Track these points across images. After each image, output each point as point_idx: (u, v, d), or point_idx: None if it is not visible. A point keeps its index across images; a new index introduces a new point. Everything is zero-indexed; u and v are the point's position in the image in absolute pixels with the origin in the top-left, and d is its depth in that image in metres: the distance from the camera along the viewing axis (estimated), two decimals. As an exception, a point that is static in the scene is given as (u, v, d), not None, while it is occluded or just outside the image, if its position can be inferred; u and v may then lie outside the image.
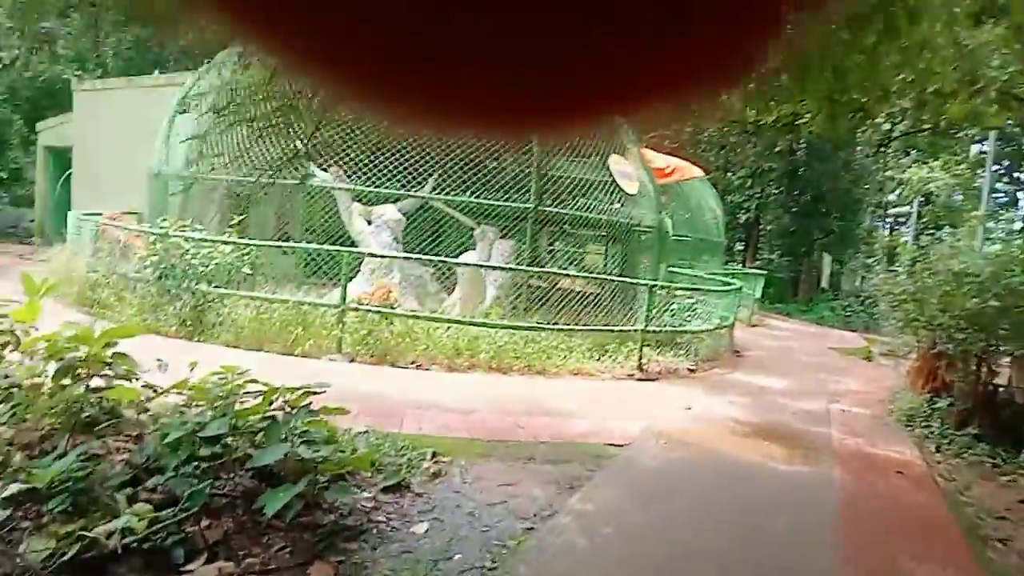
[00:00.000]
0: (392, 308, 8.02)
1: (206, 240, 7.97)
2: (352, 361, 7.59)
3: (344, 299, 7.78)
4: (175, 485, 3.55)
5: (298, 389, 4.12)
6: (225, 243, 8.03)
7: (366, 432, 5.14)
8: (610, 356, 8.70)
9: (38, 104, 18.82)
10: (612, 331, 9.00)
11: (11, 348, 4.75)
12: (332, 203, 11.47)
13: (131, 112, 13.23)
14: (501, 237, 11.46)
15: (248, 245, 8.42)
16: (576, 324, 9.05)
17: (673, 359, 9.27)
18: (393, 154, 10.06)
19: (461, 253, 10.83)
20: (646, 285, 9.23)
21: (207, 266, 7.97)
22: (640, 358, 8.66)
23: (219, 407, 3.86)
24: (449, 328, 8.11)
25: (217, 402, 3.89)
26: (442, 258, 9.17)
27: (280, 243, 9.16)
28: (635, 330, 8.92)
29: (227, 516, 3.66)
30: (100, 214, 10.60)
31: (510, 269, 9.35)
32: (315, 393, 4.09)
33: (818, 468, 5.77)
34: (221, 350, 7.49)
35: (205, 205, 13.44)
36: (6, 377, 4.37)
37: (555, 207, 9.60)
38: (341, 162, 10.83)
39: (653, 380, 8.53)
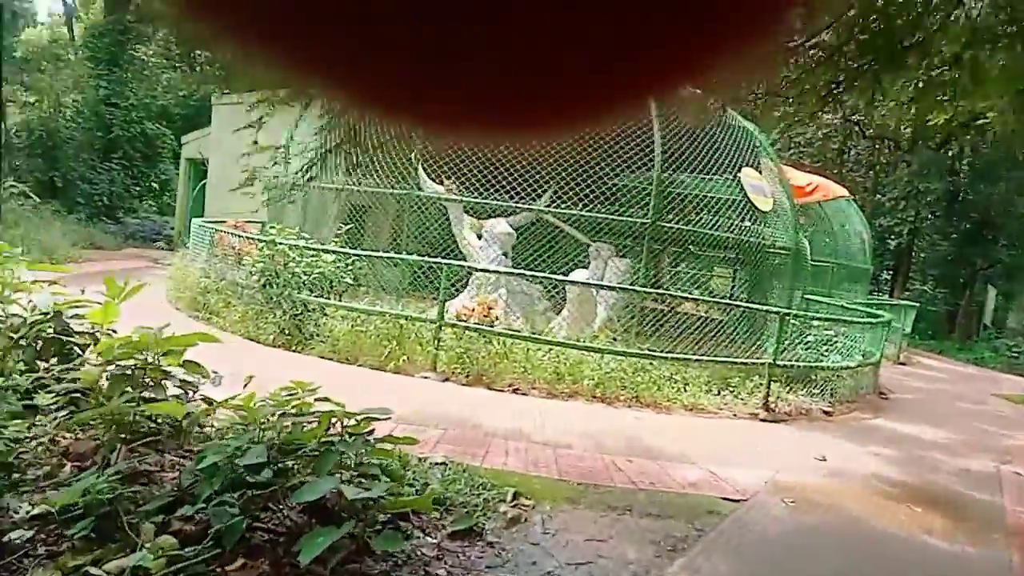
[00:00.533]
0: (492, 325, 7.51)
1: (309, 248, 7.81)
2: (446, 380, 7.13)
3: (441, 314, 7.35)
4: (213, 516, 3.14)
5: (357, 414, 3.65)
6: (327, 252, 7.84)
7: (443, 463, 4.61)
8: (731, 391, 7.76)
9: (188, 120, 20.22)
10: (735, 363, 8.04)
11: (90, 350, 4.64)
12: (445, 216, 11.23)
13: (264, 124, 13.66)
14: (617, 255, 10.75)
15: (350, 255, 8.20)
16: (694, 353, 8.17)
17: (806, 398, 8.16)
18: (507, 167, 9.61)
19: (574, 270, 10.19)
20: (777, 313, 8.19)
21: (309, 275, 7.81)
22: (767, 395, 7.66)
23: (267, 429, 3.45)
24: (551, 350, 7.48)
25: (266, 423, 3.48)
26: (548, 275, 8.54)
27: (381, 254, 8.89)
28: (762, 363, 7.91)
29: (266, 557, 3.21)
30: (224, 221, 10.89)
31: (622, 289, 8.60)
32: (376, 419, 3.60)
33: (988, 550, 4.65)
34: (315, 362, 7.27)
35: (322, 214, 13.66)
36: (73, 381, 4.22)
37: (677, 224, 8.77)
38: (455, 174, 10.57)
39: (780, 422, 7.51)
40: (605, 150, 9.22)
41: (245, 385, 3.79)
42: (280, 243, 7.90)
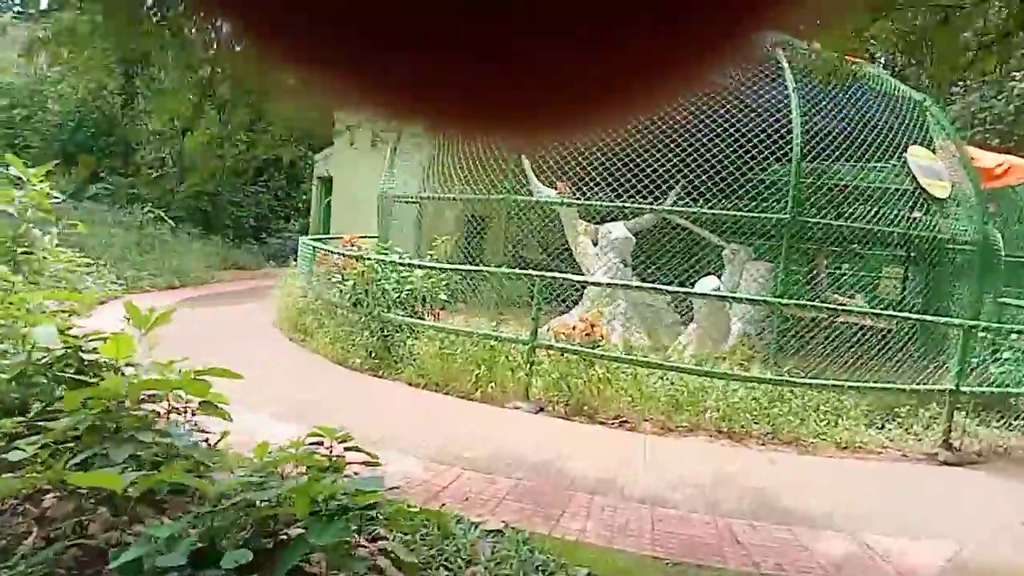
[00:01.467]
0: (595, 345, 6.48)
1: (400, 264, 7.20)
2: (540, 411, 6.20)
3: (535, 334, 6.43)
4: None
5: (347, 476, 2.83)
6: (417, 267, 7.19)
7: (498, 531, 3.69)
8: (900, 424, 6.22)
9: (326, 139, 20.86)
10: (904, 389, 6.45)
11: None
12: (561, 222, 10.32)
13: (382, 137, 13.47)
14: (755, 258, 9.32)
15: (444, 269, 7.50)
16: (851, 376, 6.67)
17: (1003, 433, 6.41)
18: (627, 165, 8.54)
19: (705, 276, 8.90)
20: (960, 325, 6.50)
21: (400, 292, 7.20)
22: (948, 429, 6.04)
23: (238, 504, 2.70)
24: (665, 375, 6.33)
25: (236, 492, 2.74)
26: (662, 287, 7.37)
27: (471, 266, 8.12)
28: (942, 389, 6.28)
29: None
30: (340, 238, 10.67)
31: (751, 301, 7.25)
32: (364, 492, 2.76)
33: None
34: (397, 388, 6.61)
35: (437, 227, 13.20)
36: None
37: (825, 218, 7.29)
38: (568, 176, 9.66)
39: (968, 464, 5.88)
40: (739, 140, 7.90)
41: (218, 441, 3.09)
42: (369, 258, 7.35)
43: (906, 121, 8.26)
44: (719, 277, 9.14)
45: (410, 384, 6.75)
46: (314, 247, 8.58)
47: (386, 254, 7.69)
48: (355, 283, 7.37)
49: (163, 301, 10.58)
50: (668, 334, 9.35)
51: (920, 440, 6.08)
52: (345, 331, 7.42)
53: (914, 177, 8.27)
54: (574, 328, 6.62)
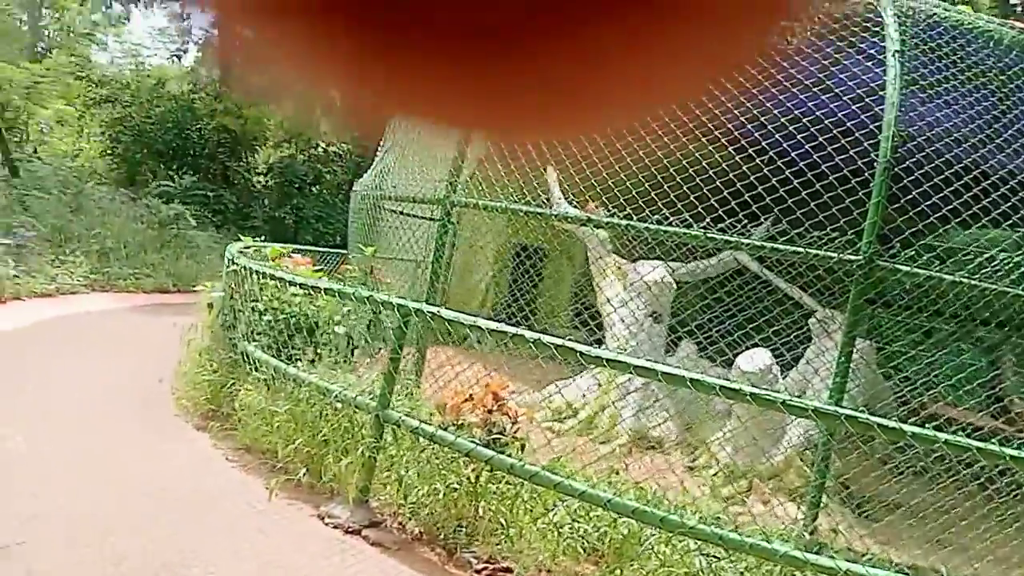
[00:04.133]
0: (493, 434, 3.96)
1: (271, 276, 5.08)
2: (371, 527, 3.79)
3: (385, 396, 4.03)
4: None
5: None
6: (291, 283, 5.01)
7: None
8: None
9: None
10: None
11: None
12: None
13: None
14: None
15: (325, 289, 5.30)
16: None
17: None
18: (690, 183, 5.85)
19: (751, 348, 6.00)
20: None
21: (271, 314, 5.12)
22: None
23: None
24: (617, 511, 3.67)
25: None
26: (673, 369, 4.58)
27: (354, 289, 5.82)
28: None
29: None
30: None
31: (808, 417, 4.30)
32: None
33: None
34: (197, 452, 4.44)
35: (469, 258, 11.08)
36: None
37: (929, 267, 4.27)
38: (607, 194, 7.15)
39: None
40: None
41: None
42: (244, 267, 5.32)
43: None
44: (784, 350, 6.21)
45: (234, 450, 4.59)
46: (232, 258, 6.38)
47: (268, 265, 5.62)
48: (231, 303, 5.36)
49: (100, 304, 9.72)
50: (715, 428, 6.54)
51: None
52: (204, 361, 5.41)
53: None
54: (469, 400, 4.15)
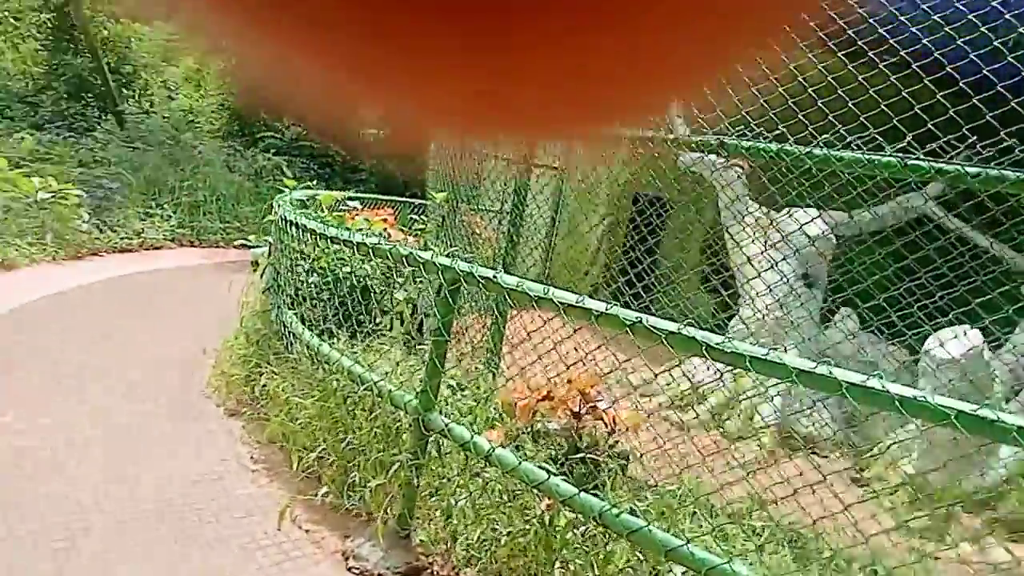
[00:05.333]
0: (587, 446, 2.75)
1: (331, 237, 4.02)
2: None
3: (429, 391, 2.89)
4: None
5: None
6: (349, 243, 3.91)
7: None
8: None
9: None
10: None
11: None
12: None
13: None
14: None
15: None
16: None
17: None
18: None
19: (945, 329, 4.37)
20: None
21: (313, 280, 4.13)
22: None
23: None
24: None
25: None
26: (820, 367, 3.22)
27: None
28: None
29: None
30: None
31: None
32: None
33: None
34: (215, 443, 3.52)
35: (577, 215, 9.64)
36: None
37: None
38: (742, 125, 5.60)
39: None
40: None
41: None
42: (283, 218, 4.33)
43: None
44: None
45: (257, 445, 3.66)
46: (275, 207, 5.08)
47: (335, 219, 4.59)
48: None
49: (184, 259, 9.37)
50: (892, 423, 4.99)
51: None
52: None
53: None
54: (548, 398, 2.94)
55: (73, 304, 5.94)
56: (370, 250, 3.23)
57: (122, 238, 8.15)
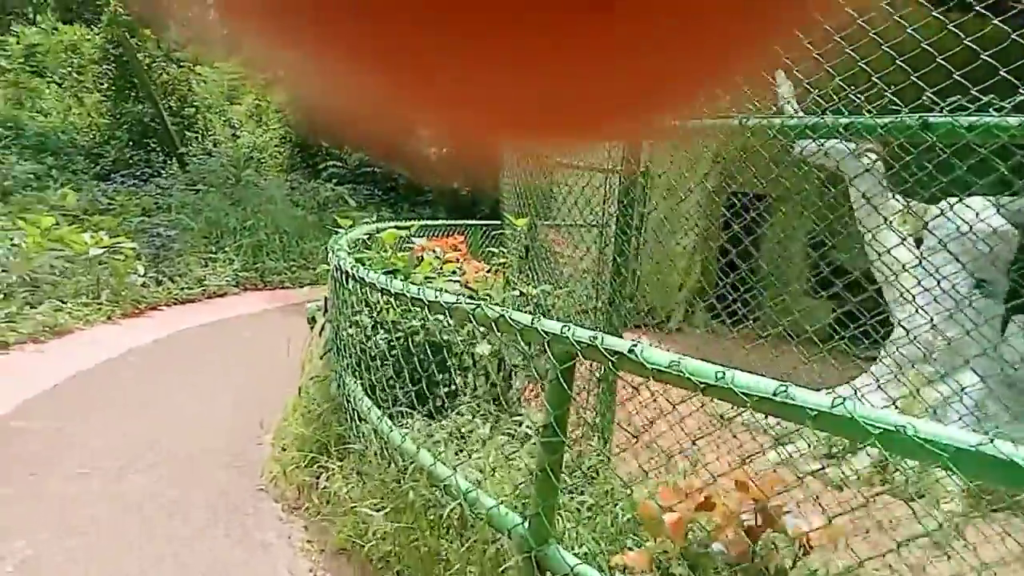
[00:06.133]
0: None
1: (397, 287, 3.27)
2: None
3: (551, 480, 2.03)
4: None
5: None
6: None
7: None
8: None
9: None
10: None
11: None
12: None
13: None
14: None
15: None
16: None
17: None
18: None
19: None
20: None
21: (417, 333, 3.39)
22: None
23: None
24: None
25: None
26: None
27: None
28: None
29: None
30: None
31: None
32: None
33: None
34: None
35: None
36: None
37: None
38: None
39: None
40: None
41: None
42: (338, 266, 3.59)
43: None
44: None
45: (321, 556, 2.90)
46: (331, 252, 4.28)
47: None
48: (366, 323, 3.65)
49: (248, 306, 8.69)
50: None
51: None
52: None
53: None
54: (706, 506, 2.05)
55: (119, 373, 5.39)
56: (446, 310, 2.42)
57: (182, 288, 7.68)
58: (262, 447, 4.02)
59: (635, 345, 1.81)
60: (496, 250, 5.75)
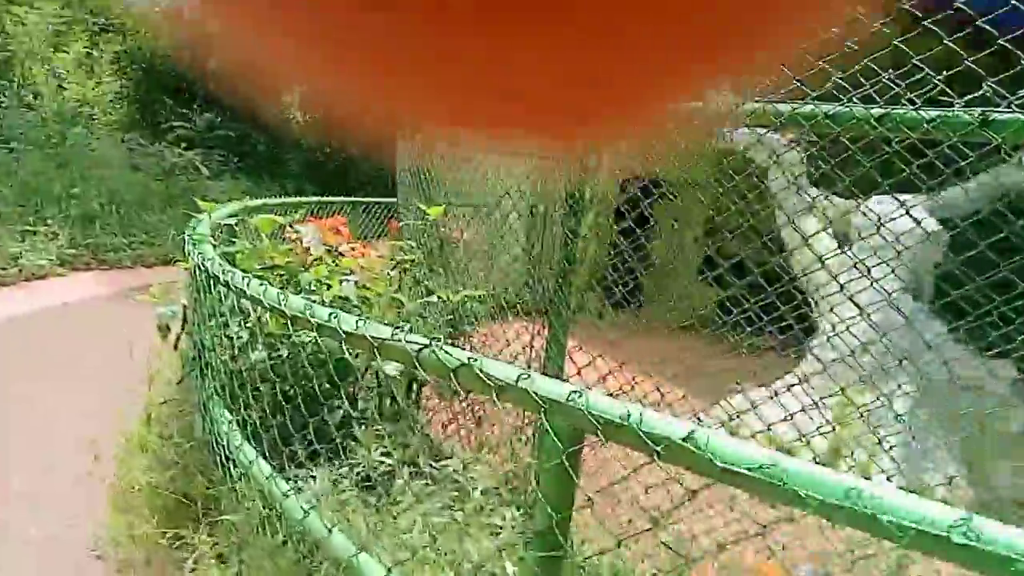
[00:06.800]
0: None
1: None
2: None
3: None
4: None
5: None
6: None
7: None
8: None
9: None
10: None
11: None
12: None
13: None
14: None
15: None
16: None
17: None
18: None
19: None
20: None
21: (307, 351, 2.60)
22: None
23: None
24: None
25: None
26: None
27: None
28: None
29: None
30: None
31: None
32: None
33: None
34: None
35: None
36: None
37: None
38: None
39: None
40: None
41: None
42: (200, 266, 2.75)
43: None
44: None
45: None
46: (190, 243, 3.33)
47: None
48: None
49: (75, 291, 6.82)
50: None
51: None
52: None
53: None
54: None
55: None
56: (343, 339, 1.75)
57: (-11, 269, 6.30)
58: (96, 493, 3.11)
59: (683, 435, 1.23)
60: (384, 231, 5.01)
